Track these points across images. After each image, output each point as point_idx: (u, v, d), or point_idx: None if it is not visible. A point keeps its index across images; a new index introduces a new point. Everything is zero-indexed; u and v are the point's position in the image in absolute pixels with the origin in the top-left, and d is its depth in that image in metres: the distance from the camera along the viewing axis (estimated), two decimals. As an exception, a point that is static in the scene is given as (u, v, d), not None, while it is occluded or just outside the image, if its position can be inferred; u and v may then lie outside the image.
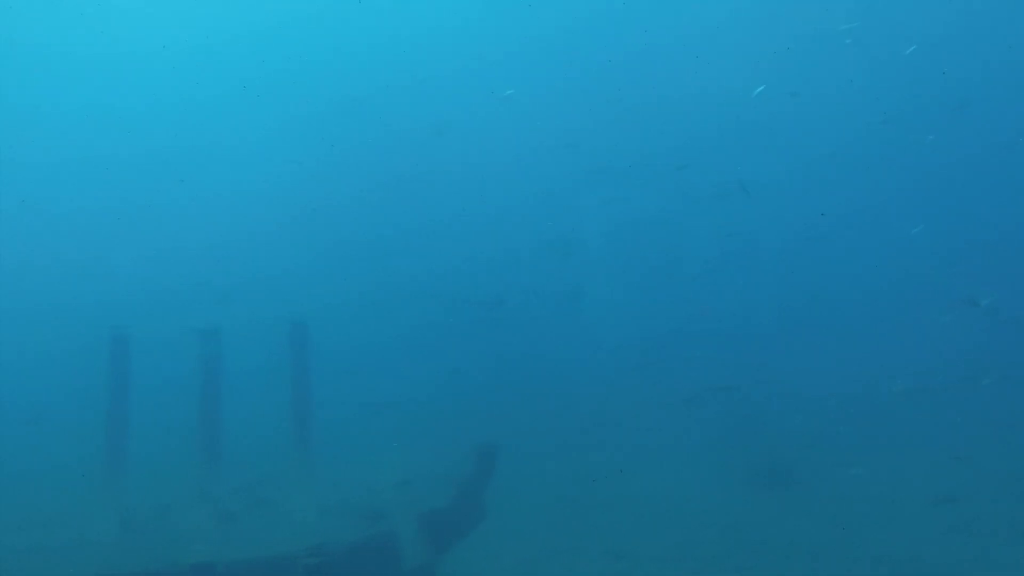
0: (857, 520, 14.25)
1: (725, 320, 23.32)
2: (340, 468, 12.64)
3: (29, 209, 41.42)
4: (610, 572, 12.32)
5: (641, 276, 27.37)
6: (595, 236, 31.15)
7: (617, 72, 41.55)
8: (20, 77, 45.72)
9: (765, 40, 39.64)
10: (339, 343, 20.90)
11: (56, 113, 46.80)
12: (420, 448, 14.41)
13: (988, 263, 27.11)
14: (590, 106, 41.22)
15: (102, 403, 12.82)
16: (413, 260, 32.17)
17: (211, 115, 47.41)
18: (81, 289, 31.20)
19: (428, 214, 35.58)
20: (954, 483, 15.56)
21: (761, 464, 16.69)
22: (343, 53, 47.11)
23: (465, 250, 32.70)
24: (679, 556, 12.91)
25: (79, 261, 36.87)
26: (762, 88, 32.02)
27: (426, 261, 31.68)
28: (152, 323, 15.67)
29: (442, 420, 17.40)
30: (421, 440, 15.35)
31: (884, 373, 20.05)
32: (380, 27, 46.82)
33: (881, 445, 18.12)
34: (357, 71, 46.67)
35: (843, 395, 19.41)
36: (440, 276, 29.90)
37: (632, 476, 15.99)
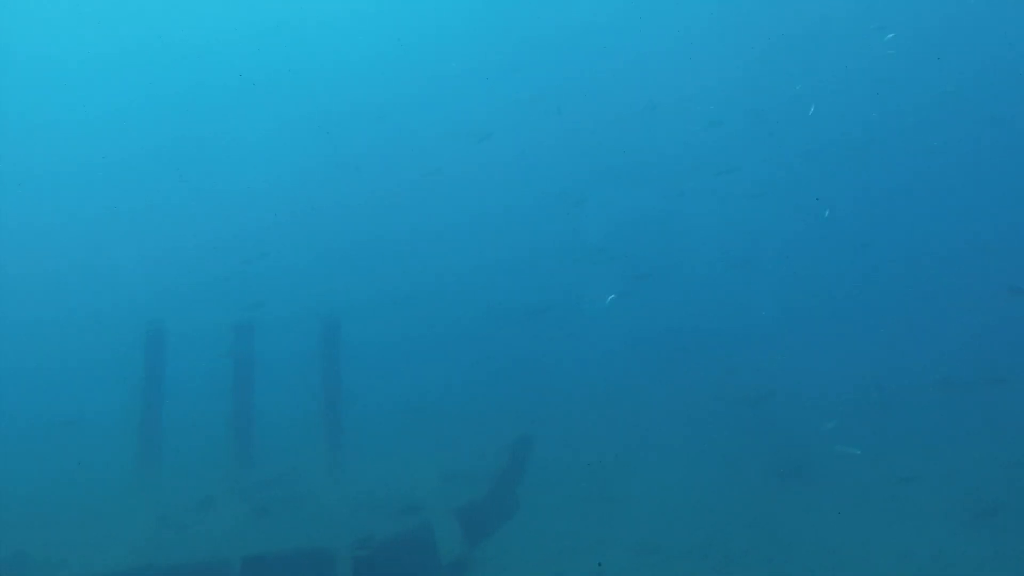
0: (879, 516, 14.30)
1: (747, 317, 23.42)
2: (374, 463, 12.69)
3: (38, 209, 41.51)
4: (641, 566, 12.38)
5: (658, 274, 27.46)
6: (624, 239, 31.15)
7: (628, 73, 41.72)
8: (21, 77, 45.87)
9: (765, 37, 39.81)
10: (375, 340, 21.01)
11: (58, 112, 46.90)
12: (454, 443, 14.48)
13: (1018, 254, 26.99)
14: (602, 107, 41.33)
15: (137, 400, 12.91)
16: (452, 260, 32.11)
17: (217, 113, 47.54)
18: (115, 288, 31.28)
19: (464, 215, 35.55)
20: (979, 479, 15.58)
21: (778, 460, 16.74)
22: (355, 52, 47.29)
23: (504, 251, 32.66)
24: (706, 551, 12.96)
25: (114, 260, 37.01)
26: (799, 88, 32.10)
27: (465, 261, 31.62)
28: (184, 319, 15.75)
29: (476, 416, 17.47)
30: (455, 435, 15.43)
31: (907, 368, 20.13)
32: (391, 26, 47.04)
33: (901, 441, 18.15)
34: (382, 70, 46.91)
35: (862, 390, 19.48)
36: (475, 277, 29.93)
37: (656, 471, 16.07)
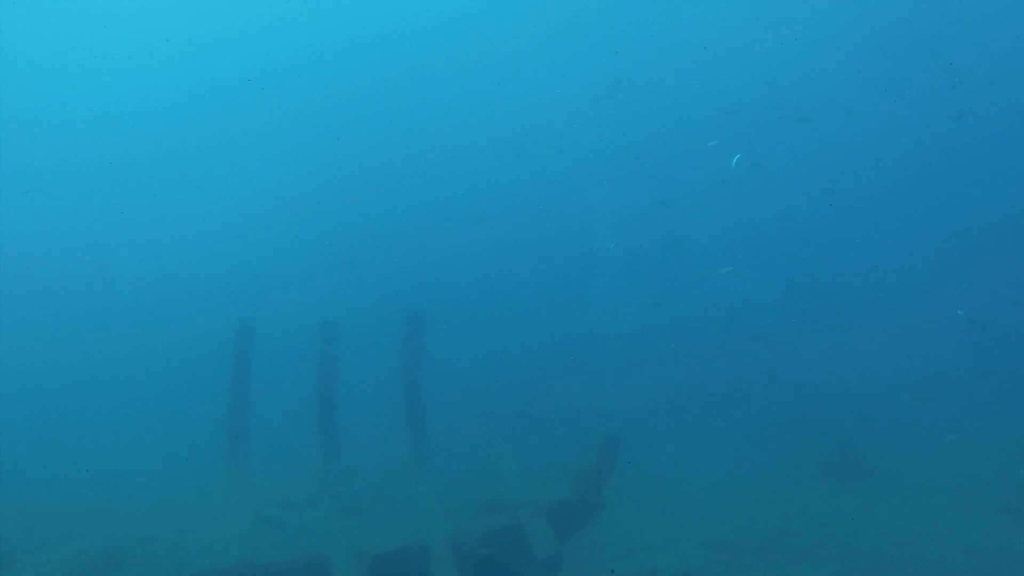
0: (939, 511, 14.47)
1: (800, 310, 23.57)
2: (460, 461, 12.90)
3: (41, 205, 41.66)
4: (712, 563, 12.57)
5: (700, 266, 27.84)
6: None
7: (628, 64, 41.84)
8: (23, 73, 46.03)
9: (765, 34, 39.96)
10: (463, 338, 21.23)
11: (60, 109, 47.07)
12: (541, 440, 14.70)
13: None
14: (594, 101, 41.46)
15: (226, 397, 13.12)
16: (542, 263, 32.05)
17: (220, 109, 47.72)
18: (204, 280, 31.41)
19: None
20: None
21: (836, 456, 16.91)
22: (353, 47, 47.39)
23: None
24: (776, 547, 13.17)
25: (202, 250, 37.13)
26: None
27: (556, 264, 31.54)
28: (274, 316, 15.98)
29: (562, 413, 17.70)
30: (542, 432, 15.65)
31: (962, 359, 20.27)
32: (390, 22, 47.17)
33: (959, 432, 18.26)
34: (380, 65, 46.98)
35: (917, 381, 19.60)
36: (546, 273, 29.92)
37: (718, 468, 16.26)
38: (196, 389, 15.77)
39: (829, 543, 13.35)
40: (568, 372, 21.29)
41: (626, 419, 16.98)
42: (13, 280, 35.58)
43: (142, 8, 47.14)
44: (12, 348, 27.04)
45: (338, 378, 12.68)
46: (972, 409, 18.93)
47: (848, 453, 16.93)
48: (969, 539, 13.08)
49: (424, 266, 31.88)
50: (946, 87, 33.50)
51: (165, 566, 10.92)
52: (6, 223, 39.56)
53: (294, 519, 11.14)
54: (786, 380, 19.87)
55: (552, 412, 18.02)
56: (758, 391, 19.45)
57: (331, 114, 45.65)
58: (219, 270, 34.05)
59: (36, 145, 45.69)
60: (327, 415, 12.65)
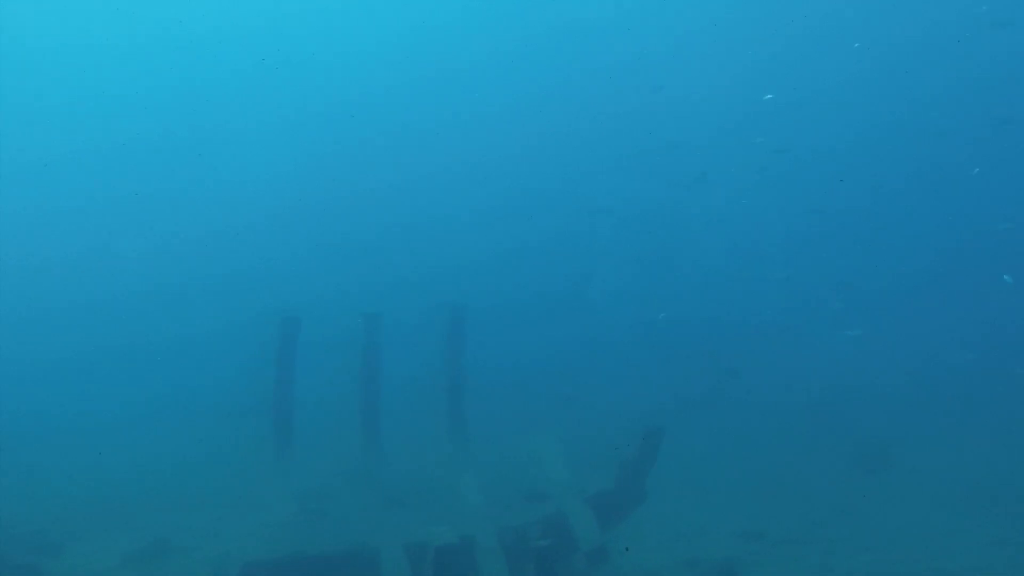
0: (969, 502, 14.60)
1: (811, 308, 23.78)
2: (501, 453, 13.01)
3: (42, 199, 41.71)
4: (745, 553, 12.70)
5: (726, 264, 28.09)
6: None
7: (632, 65, 41.98)
8: (24, 68, 46.02)
9: (765, 35, 40.08)
10: (503, 329, 21.34)
11: (62, 104, 47.03)
12: (583, 431, 14.82)
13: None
14: (594, 101, 41.59)
15: (270, 386, 13.22)
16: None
17: (223, 104, 47.72)
18: (243, 269, 31.34)
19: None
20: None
21: (864, 447, 17.04)
22: (356, 47, 47.41)
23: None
24: (808, 538, 13.31)
25: (237, 240, 37.08)
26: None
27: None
28: (318, 307, 16.08)
29: (604, 405, 17.85)
30: (584, 423, 15.79)
31: (995, 351, 20.41)
32: (392, 22, 47.20)
33: (986, 424, 18.41)
34: (387, 66, 46.99)
35: (944, 374, 19.77)
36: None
37: (746, 460, 16.41)
38: (238, 379, 15.83)
39: (860, 534, 13.49)
40: (602, 363, 21.46)
41: (657, 410, 17.19)
42: (53, 269, 35.70)
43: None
44: (55, 338, 27.21)
45: (381, 369, 12.77)
46: (1001, 401, 19.06)
47: (875, 446, 17.07)
48: (998, 532, 13.20)
49: (465, 258, 31.91)
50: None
51: (210, 556, 11.03)
52: (67, 214, 39.83)
53: (338, 509, 11.24)
54: (815, 373, 20.08)
55: (589, 403, 18.18)
56: (788, 384, 19.66)
57: (374, 103, 45.55)
58: (256, 258, 34.07)
59: (40, 137, 45.67)
60: (369, 405, 12.75)
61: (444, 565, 8.59)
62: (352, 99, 46.28)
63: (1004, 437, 17.69)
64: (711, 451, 15.74)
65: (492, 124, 43.19)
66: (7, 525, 12.39)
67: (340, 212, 38.95)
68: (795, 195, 30.83)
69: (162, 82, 47.96)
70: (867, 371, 20.37)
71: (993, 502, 14.54)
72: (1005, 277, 20.05)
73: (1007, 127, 26.05)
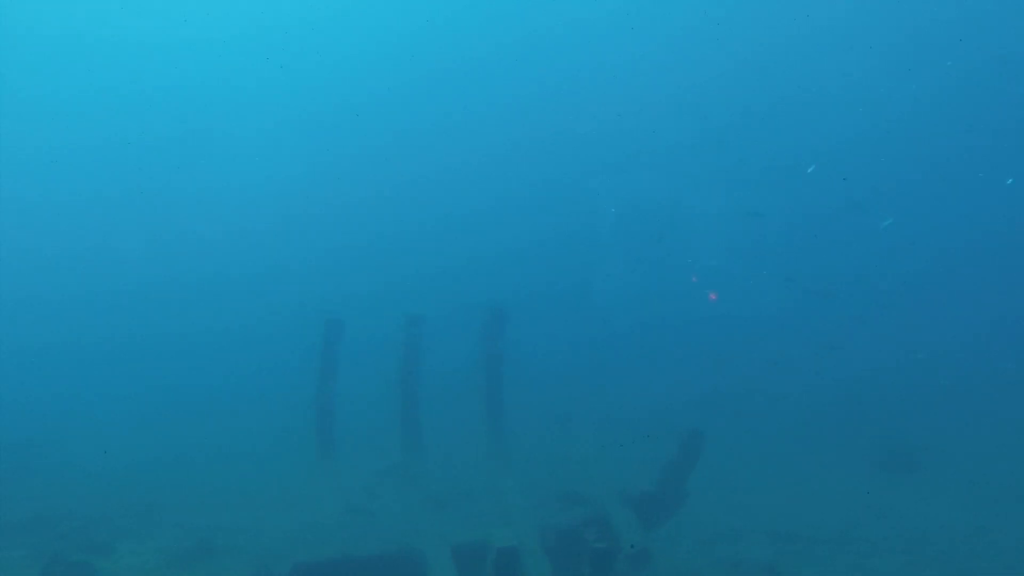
0: (998, 502, 14.64)
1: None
2: (542, 455, 13.12)
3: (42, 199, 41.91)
4: (782, 554, 12.77)
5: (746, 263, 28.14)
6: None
7: (633, 63, 42.06)
8: (28, 67, 46.30)
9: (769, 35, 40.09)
10: (540, 332, 21.45)
11: (65, 105, 47.26)
12: (621, 434, 14.89)
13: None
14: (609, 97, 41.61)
15: (313, 389, 13.37)
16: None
17: (224, 107, 47.92)
18: (285, 269, 31.24)
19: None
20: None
21: (891, 450, 17.09)
22: (359, 48, 47.53)
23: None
24: (844, 539, 13.37)
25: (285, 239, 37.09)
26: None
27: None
28: (364, 310, 16.22)
29: (642, 408, 17.94)
30: (622, 426, 15.86)
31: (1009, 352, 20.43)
32: (395, 23, 47.32)
33: (995, 427, 18.42)
34: (389, 66, 47.10)
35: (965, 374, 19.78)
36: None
37: (775, 461, 16.47)
38: (282, 379, 16.05)
39: (893, 536, 13.56)
40: (633, 363, 21.55)
41: (685, 411, 17.33)
42: (100, 264, 35.97)
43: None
44: (103, 335, 27.40)
45: (421, 371, 12.89)
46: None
47: (900, 448, 17.13)
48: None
49: (499, 259, 31.94)
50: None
51: (257, 556, 11.15)
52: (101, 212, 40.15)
53: (383, 510, 11.36)
54: (840, 375, 20.14)
55: (626, 403, 18.27)
56: (814, 386, 19.74)
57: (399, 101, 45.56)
58: (293, 257, 34.12)
59: (41, 138, 45.97)
60: (410, 407, 12.87)
61: (491, 566, 8.68)
62: (353, 99, 46.49)
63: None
64: (738, 452, 15.73)
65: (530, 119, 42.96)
66: (56, 521, 12.59)
67: (372, 211, 39.01)
68: (820, 192, 30.82)
69: (177, 81, 48.26)
70: (891, 373, 20.44)
71: (1019, 502, 14.58)
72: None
73: None
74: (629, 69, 42.94)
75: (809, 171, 27.04)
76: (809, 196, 31.06)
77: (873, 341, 21.81)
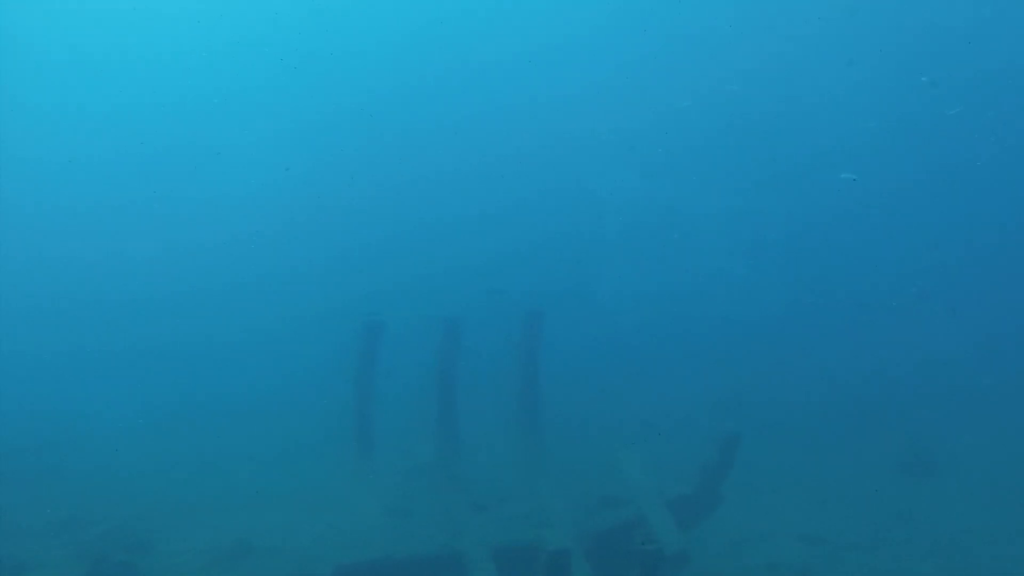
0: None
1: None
2: (582, 458, 13.22)
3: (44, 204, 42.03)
4: (812, 557, 12.88)
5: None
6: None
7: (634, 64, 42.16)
8: (28, 75, 46.43)
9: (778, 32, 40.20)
10: (581, 334, 21.55)
11: (67, 108, 47.35)
12: (654, 437, 15.03)
13: None
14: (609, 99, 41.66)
15: (353, 392, 13.46)
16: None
17: (225, 112, 47.98)
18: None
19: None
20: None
21: (910, 453, 17.19)
22: (362, 49, 47.62)
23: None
24: (872, 543, 13.48)
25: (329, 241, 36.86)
26: None
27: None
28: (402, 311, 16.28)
29: (670, 411, 18.09)
30: (661, 428, 15.99)
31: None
32: (398, 24, 47.42)
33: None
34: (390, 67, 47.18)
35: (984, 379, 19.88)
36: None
37: (798, 464, 16.56)
38: (321, 379, 16.14)
39: (918, 540, 13.67)
40: (661, 365, 21.67)
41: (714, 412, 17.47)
42: (139, 264, 36.02)
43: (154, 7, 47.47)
44: (143, 334, 27.44)
45: (457, 372, 12.97)
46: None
47: (920, 451, 17.23)
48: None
49: (534, 258, 31.76)
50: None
51: (295, 558, 11.24)
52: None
53: (423, 512, 11.45)
54: (859, 377, 20.28)
55: (658, 406, 18.40)
56: (832, 388, 19.89)
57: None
58: (335, 256, 33.76)
59: (43, 141, 46.06)
60: (448, 409, 12.95)
61: (543, 569, 8.77)
62: (364, 101, 46.51)
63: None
64: (763, 455, 15.81)
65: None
66: (96, 521, 12.68)
67: (399, 209, 38.68)
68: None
69: (194, 83, 48.40)
70: (908, 373, 20.58)
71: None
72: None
73: None
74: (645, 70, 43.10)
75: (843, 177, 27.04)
76: (840, 199, 31.03)
77: (891, 342, 21.97)
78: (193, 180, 43.82)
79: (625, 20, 44.20)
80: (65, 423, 19.41)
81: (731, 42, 40.53)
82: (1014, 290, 24.91)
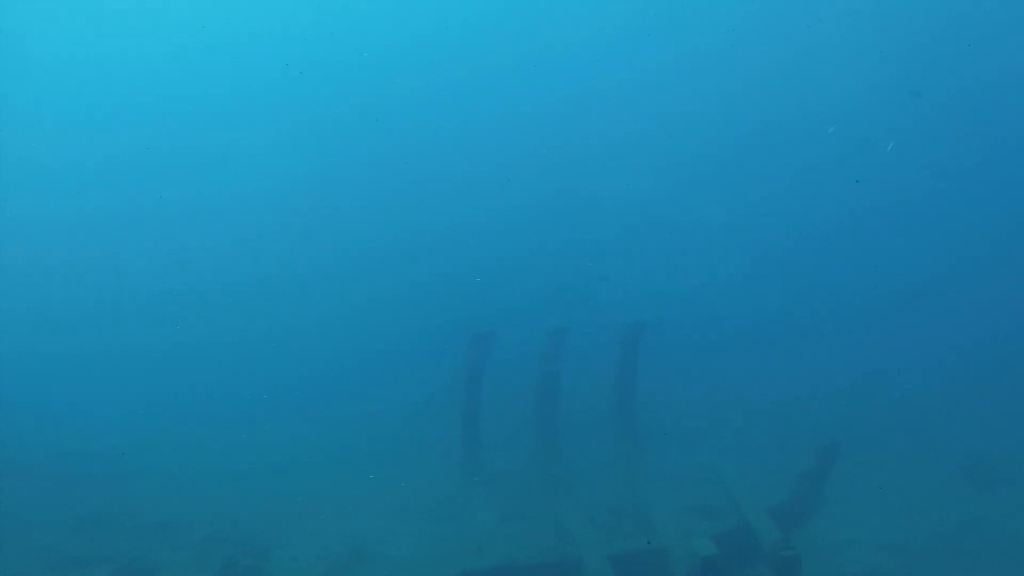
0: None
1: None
2: (676, 466, 13.57)
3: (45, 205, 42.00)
4: (890, 564, 13.27)
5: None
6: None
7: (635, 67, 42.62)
8: (28, 75, 46.54)
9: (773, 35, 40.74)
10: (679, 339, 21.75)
11: (68, 109, 47.40)
12: (756, 443, 15.35)
13: None
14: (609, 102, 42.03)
15: (462, 396, 13.71)
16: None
17: (226, 113, 48.11)
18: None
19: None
20: None
21: (974, 462, 17.50)
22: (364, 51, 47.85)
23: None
24: (947, 552, 13.86)
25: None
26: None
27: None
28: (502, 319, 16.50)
29: (775, 420, 18.40)
30: (758, 436, 16.31)
31: None
32: (400, 26, 47.76)
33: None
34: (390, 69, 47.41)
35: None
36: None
37: (867, 471, 16.83)
38: (435, 389, 16.38)
39: (990, 549, 14.01)
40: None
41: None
42: (200, 264, 35.82)
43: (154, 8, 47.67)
44: (241, 335, 27.25)
45: (563, 382, 13.30)
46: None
47: (982, 462, 17.56)
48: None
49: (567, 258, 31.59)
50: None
51: (413, 564, 11.55)
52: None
53: (536, 518, 11.79)
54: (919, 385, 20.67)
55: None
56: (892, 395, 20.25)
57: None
58: (448, 268, 33.13)
59: (44, 143, 46.09)
60: (549, 423, 13.31)
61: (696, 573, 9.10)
62: (358, 102, 46.72)
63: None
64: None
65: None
66: (210, 521, 12.94)
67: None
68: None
69: (198, 84, 48.52)
70: (967, 385, 20.91)
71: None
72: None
73: None
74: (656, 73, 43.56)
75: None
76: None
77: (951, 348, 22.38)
78: (193, 180, 43.76)
79: (629, 25, 44.79)
80: (160, 426, 19.68)
81: (731, 45, 41.08)
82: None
